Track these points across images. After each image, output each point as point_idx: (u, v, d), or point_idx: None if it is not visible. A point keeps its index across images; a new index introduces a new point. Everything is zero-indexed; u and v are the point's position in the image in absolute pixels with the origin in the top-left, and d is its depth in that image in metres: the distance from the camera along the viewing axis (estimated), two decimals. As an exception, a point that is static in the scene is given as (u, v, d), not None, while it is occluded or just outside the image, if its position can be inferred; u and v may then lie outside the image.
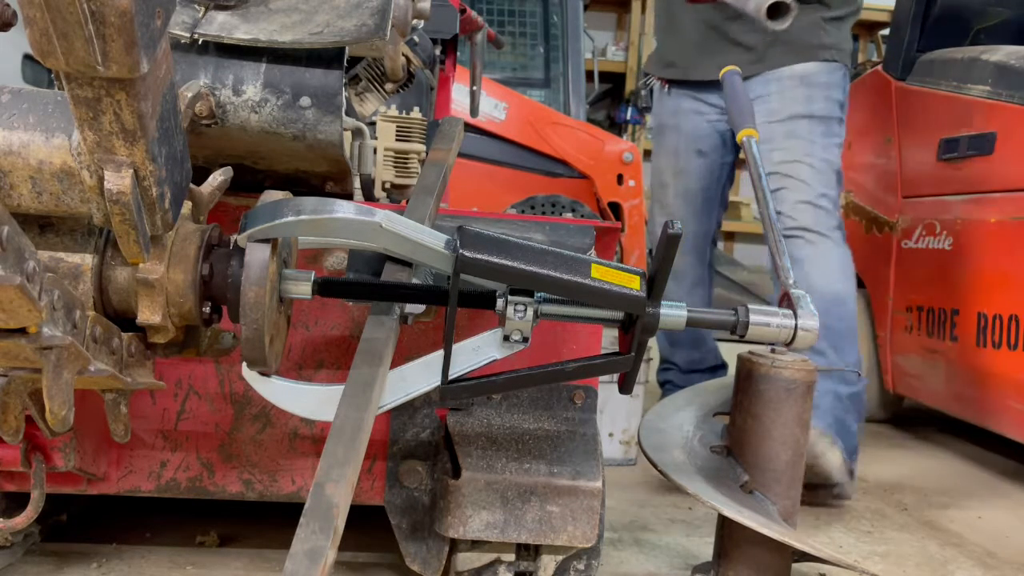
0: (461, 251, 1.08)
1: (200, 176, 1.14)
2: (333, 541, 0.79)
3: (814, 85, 2.46)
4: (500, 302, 1.16)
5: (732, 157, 2.73)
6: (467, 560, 1.47)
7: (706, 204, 2.75)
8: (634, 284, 1.14)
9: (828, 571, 1.82)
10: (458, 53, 2.60)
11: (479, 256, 1.08)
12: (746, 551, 1.61)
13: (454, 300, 1.11)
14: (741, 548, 1.62)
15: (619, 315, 1.19)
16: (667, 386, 2.87)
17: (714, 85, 2.43)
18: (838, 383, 2.35)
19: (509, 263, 1.09)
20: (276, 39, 1.21)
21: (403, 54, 1.68)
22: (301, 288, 1.13)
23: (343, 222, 1.07)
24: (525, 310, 1.15)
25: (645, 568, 1.81)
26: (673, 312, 1.18)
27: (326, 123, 1.27)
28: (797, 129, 2.46)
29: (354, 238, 1.11)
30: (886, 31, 5.31)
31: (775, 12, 2.13)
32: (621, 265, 1.16)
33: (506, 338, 1.16)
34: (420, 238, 1.10)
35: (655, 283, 1.15)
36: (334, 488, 0.83)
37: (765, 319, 1.25)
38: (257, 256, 1.04)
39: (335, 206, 1.06)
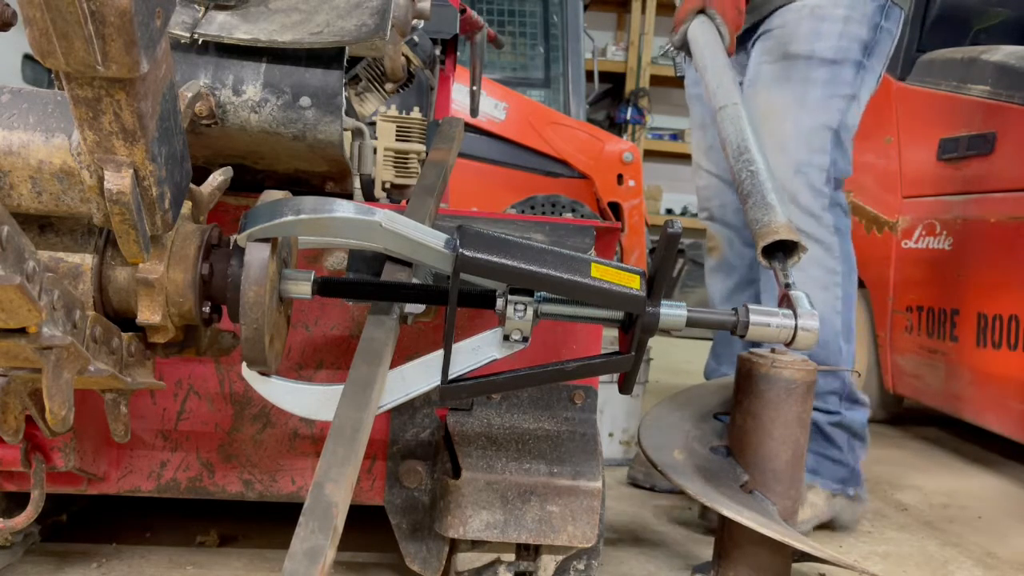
0: (461, 250, 1.08)
1: (200, 176, 1.14)
2: (332, 541, 0.79)
3: (826, 19, 2.04)
4: (500, 302, 1.16)
5: None
6: (467, 560, 1.47)
7: None
8: (634, 283, 1.14)
9: (828, 571, 1.82)
10: (458, 53, 2.60)
11: (479, 255, 1.08)
12: (746, 551, 1.61)
13: (454, 300, 1.11)
14: (741, 548, 1.62)
15: (619, 315, 1.19)
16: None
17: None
18: (817, 413, 2.00)
19: (509, 262, 1.09)
20: (276, 39, 1.21)
21: (403, 54, 1.68)
22: (301, 288, 1.13)
23: (343, 222, 1.07)
24: (525, 310, 1.15)
25: (645, 568, 1.81)
26: (673, 312, 1.18)
27: (326, 123, 1.27)
28: (791, 71, 2.05)
29: (354, 238, 1.11)
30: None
31: None
32: (621, 264, 1.16)
33: (506, 338, 1.16)
34: (420, 238, 1.10)
35: (655, 282, 1.15)
36: (334, 488, 0.83)
37: (765, 319, 1.25)
38: (257, 256, 1.04)
39: (335, 206, 1.06)
